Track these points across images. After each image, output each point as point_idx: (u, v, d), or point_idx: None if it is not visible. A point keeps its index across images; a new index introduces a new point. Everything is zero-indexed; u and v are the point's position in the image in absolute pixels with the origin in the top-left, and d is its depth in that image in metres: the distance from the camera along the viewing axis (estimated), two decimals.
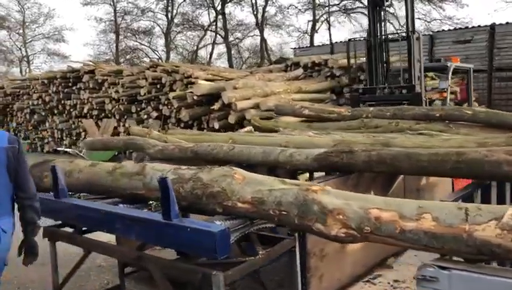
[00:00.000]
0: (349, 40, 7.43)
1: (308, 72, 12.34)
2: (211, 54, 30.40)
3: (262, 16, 28.09)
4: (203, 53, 31.91)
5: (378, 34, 6.47)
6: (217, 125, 10.12)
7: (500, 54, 16.71)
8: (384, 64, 6.55)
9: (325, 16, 27.60)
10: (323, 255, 2.85)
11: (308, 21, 28.02)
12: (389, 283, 3.16)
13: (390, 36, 6.64)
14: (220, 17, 28.55)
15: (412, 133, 4.69)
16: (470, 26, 17.40)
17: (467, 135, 4.36)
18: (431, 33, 19.82)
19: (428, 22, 26.17)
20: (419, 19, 23.16)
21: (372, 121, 5.39)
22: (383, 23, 6.43)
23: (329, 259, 2.88)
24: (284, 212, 2.19)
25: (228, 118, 10.06)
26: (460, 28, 17.73)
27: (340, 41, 19.49)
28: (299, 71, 12.15)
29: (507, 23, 16.77)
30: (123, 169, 2.92)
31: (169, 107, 11.13)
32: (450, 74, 7.41)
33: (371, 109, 5.69)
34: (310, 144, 3.76)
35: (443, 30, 19.00)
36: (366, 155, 2.88)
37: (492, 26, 16.95)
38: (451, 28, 17.89)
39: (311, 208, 2.10)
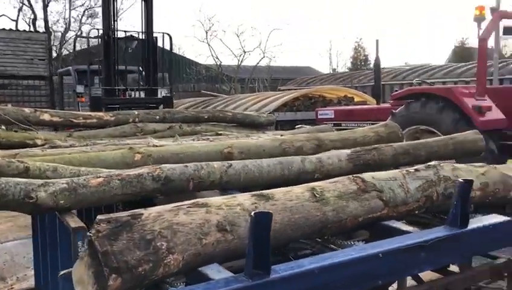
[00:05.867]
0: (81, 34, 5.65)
1: None
2: None
3: None
4: None
5: (112, 31, 5.50)
6: None
7: None
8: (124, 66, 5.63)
9: None
10: None
11: None
12: None
13: (125, 35, 5.79)
14: None
15: (211, 134, 4.93)
16: None
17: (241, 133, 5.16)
18: None
19: None
20: None
21: (147, 125, 4.93)
22: (117, 18, 5.52)
23: None
24: (497, 190, 2.69)
25: None
26: None
27: None
28: None
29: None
30: (329, 191, 2.08)
31: None
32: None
33: (136, 112, 5.09)
34: (257, 147, 3.48)
35: None
36: (391, 149, 3.22)
37: None
38: None
39: (506, 180, 2.76)
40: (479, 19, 5.55)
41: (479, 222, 2.27)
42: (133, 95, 6.02)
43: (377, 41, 7.73)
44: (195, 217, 1.70)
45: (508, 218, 2.33)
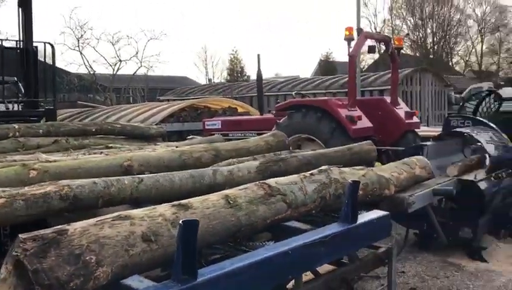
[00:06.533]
0: None
1: None
2: None
3: None
4: None
5: None
6: None
7: None
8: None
9: None
10: None
11: None
12: None
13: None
14: None
15: (101, 147, 4.79)
16: None
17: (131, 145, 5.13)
18: None
19: None
20: None
21: (30, 140, 4.57)
22: None
23: None
24: (375, 189, 3.11)
25: None
26: None
27: None
28: None
29: None
30: (240, 197, 2.27)
31: None
32: None
33: (16, 126, 4.66)
34: (157, 159, 3.52)
35: None
36: (296, 160, 3.43)
37: None
38: None
39: (381, 180, 3.22)
40: (348, 39, 6.23)
41: (365, 217, 2.62)
42: (10, 108, 5.58)
43: (259, 55, 8.20)
44: (120, 230, 1.74)
45: (386, 213, 2.73)
